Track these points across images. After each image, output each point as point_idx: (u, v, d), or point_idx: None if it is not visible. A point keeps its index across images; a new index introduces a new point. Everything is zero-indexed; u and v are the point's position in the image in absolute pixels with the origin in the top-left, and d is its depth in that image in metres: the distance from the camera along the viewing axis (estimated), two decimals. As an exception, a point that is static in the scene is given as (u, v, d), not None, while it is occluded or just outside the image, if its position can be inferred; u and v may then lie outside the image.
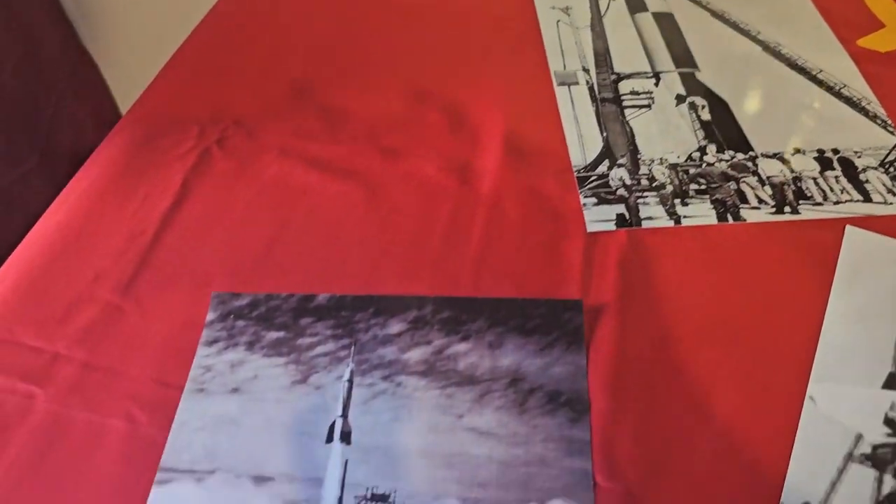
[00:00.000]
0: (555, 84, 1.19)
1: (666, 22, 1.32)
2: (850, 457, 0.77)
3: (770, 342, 0.85)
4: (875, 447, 0.78)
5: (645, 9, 1.35)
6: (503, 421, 0.80)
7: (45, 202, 1.05)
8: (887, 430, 0.79)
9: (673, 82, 1.19)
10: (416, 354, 0.86)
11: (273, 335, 0.88)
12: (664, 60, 1.24)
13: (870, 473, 0.76)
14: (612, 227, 0.97)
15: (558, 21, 1.33)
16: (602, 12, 1.35)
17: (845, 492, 0.75)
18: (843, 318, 0.86)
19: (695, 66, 1.22)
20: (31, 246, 1.01)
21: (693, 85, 1.19)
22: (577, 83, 1.19)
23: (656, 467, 0.76)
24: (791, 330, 0.86)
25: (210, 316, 0.91)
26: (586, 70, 1.22)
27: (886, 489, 0.75)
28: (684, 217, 0.98)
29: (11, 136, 1.00)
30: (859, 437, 0.78)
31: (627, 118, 1.13)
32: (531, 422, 0.80)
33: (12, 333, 0.91)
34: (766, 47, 1.24)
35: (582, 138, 1.09)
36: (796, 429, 0.79)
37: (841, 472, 0.76)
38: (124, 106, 1.22)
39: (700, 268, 0.93)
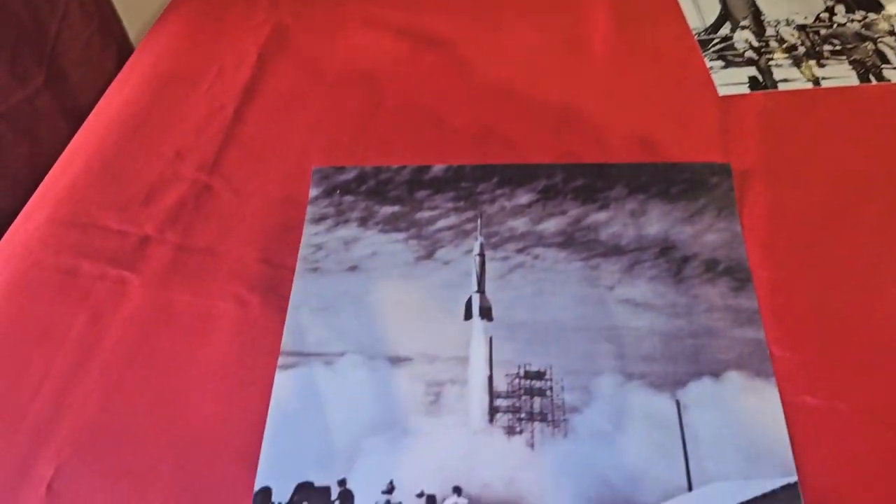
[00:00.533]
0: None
1: None
2: None
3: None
4: None
5: None
6: (659, 291, 0.73)
7: (52, 125, 0.93)
8: None
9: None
10: (551, 225, 0.77)
11: (387, 210, 0.80)
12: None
13: None
14: (745, 90, 0.88)
15: None
16: None
17: None
18: None
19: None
20: (98, 128, 0.90)
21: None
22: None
23: (832, 337, 0.69)
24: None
25: (313, 192, 0.81)
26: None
27: None
28: (823, 79, 0.89)
29: (16, 52, 0.90)
30: None
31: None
32: (690, 292, 0.72)
33: (92, 217, 0.81)
34: None
35: (697, 1, 0.99)
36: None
37: None
38: (128, 20, 1.08)
39: (847, 130, 0.84)
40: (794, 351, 0.69)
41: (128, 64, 0.98)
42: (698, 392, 0.67)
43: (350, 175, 0.82)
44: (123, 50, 1.05)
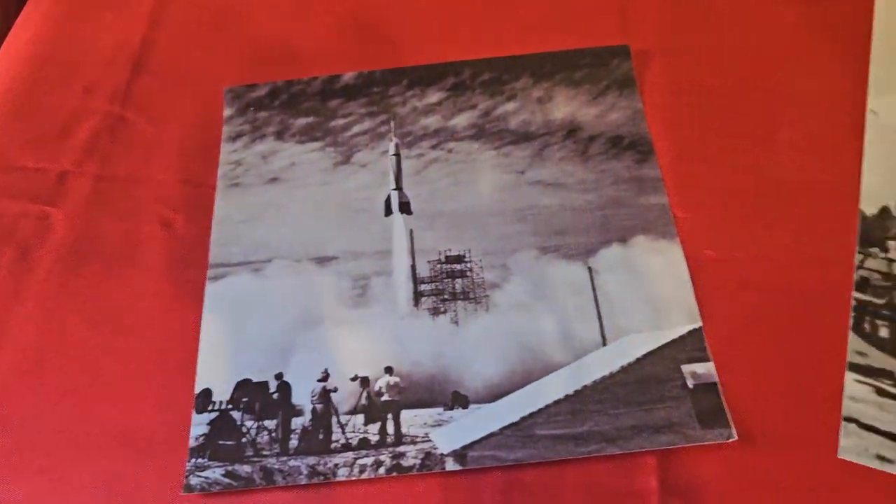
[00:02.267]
0: None
1: None
2: (922, 159, 0.76)
3: (828, 68, 0.82)
4: (944, 146, 0.76)
5: None
6: (568, 170, 0.76)
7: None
8: (953, 129, 0.78)
9: None
10: (462, 120, 0.80)
11: (302, 121, 0.81)
12: None
13: (942, 170, 0.75)
14: (642, -27, 0.90)
15: None
16: None
17: (924, 190, 0.74)
18: (891, 28, 0.83)
19: None
20: (4, 69, 0.89)
21: None
22: None
23: (729, 195, 0.73)
24: (844, 55, 0.82)
25: (227, 111, 0.82)
26: None
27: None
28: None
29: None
30: (927, 140, 0.77)
31: None
32: (597, 168, 0.76)
33: (7, 159, 0.81)
34: None
35: None
36: (863, 144, 0.76)
37: (915, 173, 0.75)
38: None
39: (742, 4, 0.87)
40: (696, 211, 0.73)
41: (29, 3, 0.96)
42: (608, 257, 0.71)
43: (262, 91, 0.83)
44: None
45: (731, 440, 0.61)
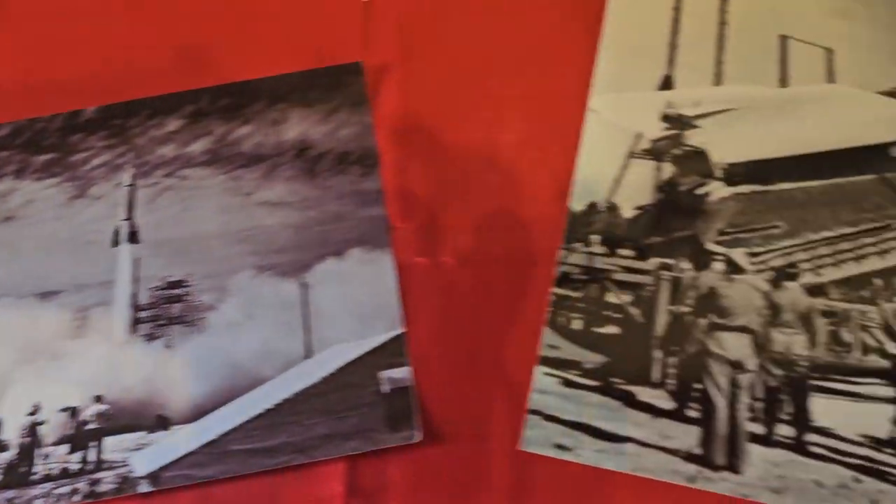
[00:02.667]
0: None
1: None
2: (631, 154, 0.79)
3: (552, 72, 0.85)
4: (654, 141, 0.80)
5: None
6: (294, 189, 0.78)
7: None
8: (665, 124, 0.81)
9: None
10: (198, 147, 0.82)
11: (42, 158, 0.82)
12: None
13: (650, 164, 0.79)
14: (387, -10, 0.93)
15: None
16: None
17: (629, 183, 0.77)
18: (620, 32, 0.87)
19: None
20: None
21: None
22: None
23: (447, 201, 0.77)
24: (572, 56, 0.86)
25: (-31, 154, 0.83)
26: None
27: (665, 175, 0.78)
28: (462, -29, 0.95)
29: None
30: (639, 136, 0.80)
31: None
32: (323, 184, 0.78)
33: None
34: None
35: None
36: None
37: (624, 168, 0.78)
38: None
39: (481, 12, 0.90)
40: (411, 221, 0.76)
41: None
42: (323, 272, 0.73)
43: (5, 131, 0.84)
44: None
45: (414, 441, 0.64)
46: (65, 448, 0.65)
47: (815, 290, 0.71)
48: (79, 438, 0.66)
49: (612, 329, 0.70)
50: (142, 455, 0.64)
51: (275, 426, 0.65)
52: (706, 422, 0.65)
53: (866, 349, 0.69)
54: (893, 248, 0.74)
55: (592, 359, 0.68)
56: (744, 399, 0.66)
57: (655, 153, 0.79)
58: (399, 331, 0.69)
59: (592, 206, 0.76)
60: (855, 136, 0.80)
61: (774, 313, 0.69)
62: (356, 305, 0.71)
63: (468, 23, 0.90)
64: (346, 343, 0.69)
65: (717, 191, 0.77)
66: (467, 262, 0.73)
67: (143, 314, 0.72)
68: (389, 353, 0.68)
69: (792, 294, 0.70)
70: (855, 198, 0.77)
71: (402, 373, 0.67)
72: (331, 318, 0.70)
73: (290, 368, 0.68)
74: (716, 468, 0.63)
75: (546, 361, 0.68)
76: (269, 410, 0.66)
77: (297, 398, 0.66)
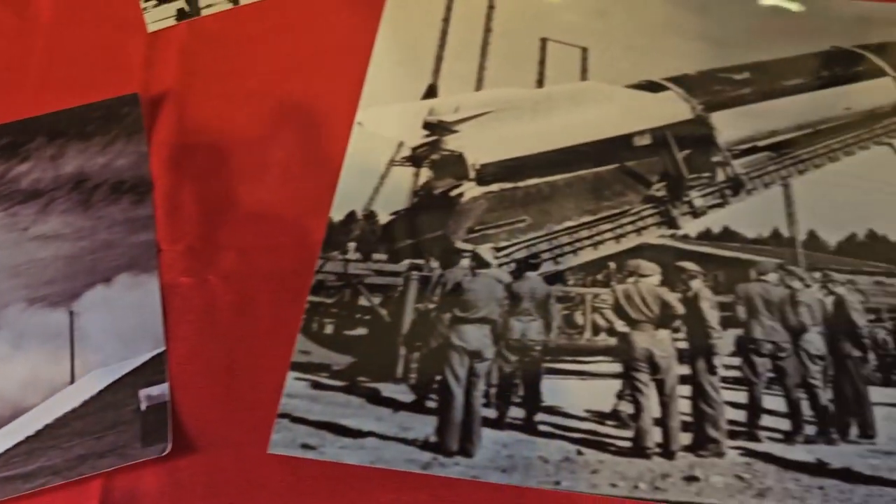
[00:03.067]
0: None
1: None
2: (392, 162, 0.84)
3: (326, 89, 0.89)
4: (414, 149, 0.85)
5: None
6: (68, 221, 0.81)
7: None
8: (425, 132, 0.86)
9: None
10: (-27, 189, 0.85)
11: None
12: None
13: (409, 171, 0.83)
14: (172, 22, 0.96)
15: None
16: None
17: (387, 190, 0.82)
18: (390, 47, 0.91)
19: None
20: None
21: None
22: None
23: (216, 221, 0.80)
24: (343, 75, 0.90)
25: None
26: None
27: (423, 180, 0.83)
28: (243, -3, 0.99)
29: None
30: (400, 144, 0.85)
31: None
32: (96, 214, 0.82)
33: None
34: None
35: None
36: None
37: (383, 176, 0.83)
38: None
39: (260, 40, 0.94)
40: (178, 243, 0.79)
41: None
42: (91, 299, 0.77)
43: None
44: None
45: (165, 453, 0.67)
46: None
47: (552, 278, 0.76)
48: None
49: (361, 331, 0.75)
50: None
51: (33, 452, 0.68)
52: (443, 411, 0.70)
53: (597, 329, 0.75)
54: (629, 232, 0.80)
55: (340, 360, 0.73)
56: (480, 386, 0.71)
57: (415, 160, 0.84)
58: (161, 349, 0.73)
59: (351, 215, 0.81)
60: (602, 129, 0.86)
61: (514, 303, 0.75)
62: (122, 329, 0.74)
63: (250, 47, 0.94)
64: (108, 366, 0.72)
65: (469, 191, 0.82)
66: (230, 279, 0.77)
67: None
68: (150, 371, 0.72)
69: (531, 283, 0.76)
70: (597, 187, 0.83)
71: (159, 389, 0.71)
72: (96, 344, 0.74)
73: (54, 394, 0.71)
74: (450, 454, 0.67)
75: (297, 367, 0.72)
76: (29, 437, 0.69)
77: (57, 423, 0.70)
